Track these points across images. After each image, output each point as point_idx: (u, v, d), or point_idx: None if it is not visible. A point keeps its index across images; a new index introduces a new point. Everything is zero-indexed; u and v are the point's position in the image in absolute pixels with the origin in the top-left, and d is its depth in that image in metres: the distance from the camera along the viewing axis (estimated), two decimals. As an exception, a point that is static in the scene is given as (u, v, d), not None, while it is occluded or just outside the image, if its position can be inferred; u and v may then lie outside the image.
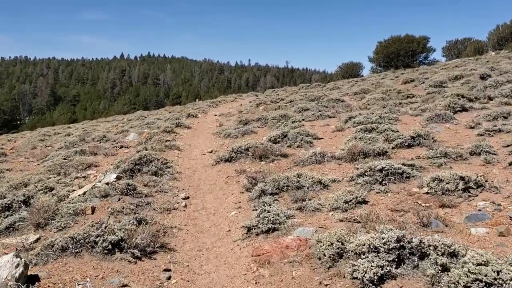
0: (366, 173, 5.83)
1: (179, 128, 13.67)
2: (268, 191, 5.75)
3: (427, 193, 5.11)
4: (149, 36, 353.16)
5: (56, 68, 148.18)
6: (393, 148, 7.83)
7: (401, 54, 42.68)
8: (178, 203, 5.89)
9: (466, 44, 55.65)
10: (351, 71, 45.03)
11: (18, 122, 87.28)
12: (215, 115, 18.56)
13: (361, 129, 9.45)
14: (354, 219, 4.41)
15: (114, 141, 12.37)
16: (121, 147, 10.43)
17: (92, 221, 4.92)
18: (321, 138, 9.64)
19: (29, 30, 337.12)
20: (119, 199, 5.75)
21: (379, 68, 44.76)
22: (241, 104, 24.88)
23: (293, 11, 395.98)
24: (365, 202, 4.98)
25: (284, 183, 5.84)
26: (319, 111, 14.82)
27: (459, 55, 52.09)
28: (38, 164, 9.84)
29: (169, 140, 10.20)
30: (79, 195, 5.73)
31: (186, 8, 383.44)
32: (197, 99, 41.80)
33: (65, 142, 12.50)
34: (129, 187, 5.93)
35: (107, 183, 6.15)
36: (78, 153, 9.98)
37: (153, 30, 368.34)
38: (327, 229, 4.31)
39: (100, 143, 12.43)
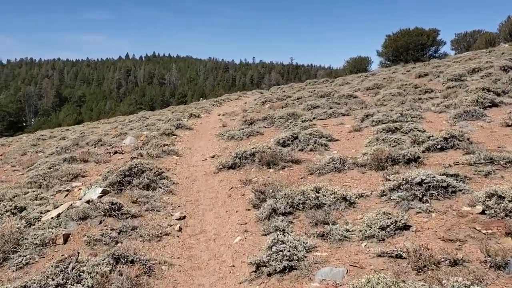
0: (401, 187, 4.75)
1: (180, 130, 12.65)
2: (280, 210, 4.70)
3: (483, 213, 4.03)
4: (154, 36, 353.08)
5: (61, 69, 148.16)
6: (423, 151, 6.73)
7: (411, 47, 41.41)
8: (171, 225, 4.86)
9: (475, 36, 54.14)
10: (359, 65, 43.75)
11: (24, 124, 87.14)
12: (219, 115, 17.54)
13: (383, 129, 8.34)
14: (398, 254, 3.34)
15: (110, 145, 11.40)
16: (115, 152, 9.44)
17: (62, 255, 3.92)
18: (337, 140, 8.55)
19: (34, 32, 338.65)
20: (100, 222, 4.73)
21: (388, 62, 43.46)
22: (245, 103, 23.82)
23: (297, 6, 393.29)
24: (406, 227, 3.90)
25: (300, 199, 4.78)
26: (331, 108, 13.72)
27: (469, 48, 50.58)
28: (23, 174, 8.89)
29: (167, 145, 9.18)
30: (52, 218, 4.73)
31: (191, 6, 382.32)
32: (201, 98, 40.85)
33: (57, 148, 11.55)
34: (113, 206, 4.91)
35: (88, 202, 5.14)
36: (67, 161, 9.00)
37: (158, 30, 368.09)
38: (362, 268, 3.25)
39: (94, 147, 11.47)
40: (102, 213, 4.87)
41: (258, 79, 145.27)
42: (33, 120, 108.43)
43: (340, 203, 4.70)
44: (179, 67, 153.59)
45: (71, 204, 4.96)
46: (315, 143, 7.99)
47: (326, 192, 4.86)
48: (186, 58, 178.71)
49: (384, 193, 4.90)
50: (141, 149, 9.23)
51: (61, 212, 4.83)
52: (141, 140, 10.91)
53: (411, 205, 4.48)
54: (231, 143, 9.92)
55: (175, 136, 11.31)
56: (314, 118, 11.82)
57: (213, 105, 22.39)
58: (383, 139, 7.67)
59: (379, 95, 14.80)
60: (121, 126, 17.27)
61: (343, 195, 4.74)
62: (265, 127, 11.51)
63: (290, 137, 8.48)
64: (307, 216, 4.57)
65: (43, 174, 7.56)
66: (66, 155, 9.78)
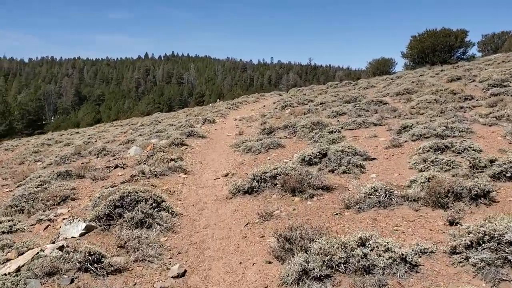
0: (482, 243, 3.40)
1: (192, 138, 11.47)
2: (314, 272, 3.41)
3: None
4: (173, 36, 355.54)
5: (81, 68, 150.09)
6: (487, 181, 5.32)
7: (438, 49, 39.40)
8: (165, 287, 3.63)
9: (504, 37, 51.73)
10: (382, 67, 41.98)
11: (44, 122, 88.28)
12: (235, 120, 16.32)
13: (429, 148, 6.93)
14: None
15: (114, 155, 10.32)
16: (116, 166, 8.32)
17: None
18: (374, 159, 7.18)
19: (56, 31, 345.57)
20: (71, 281, 3.55)
21: (413, 64, 41.55)
22: (264, 106, 22.55)
23: (315, 5, 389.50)
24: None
25: (341, 257, 3.48)
26: (359, 116, 12.33)
27: (497, 50, 48.24)
28: (11, 190, 7.84)
29: (174, 159, 7.98)
30: (9, 274, 3.58)
31: (210, 6, 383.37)
32: (218, 100, 39.79)
33: (57, 157, 10.55)
34: (91, 257, 3.72)
35: (62, 247, 3.96)
36: (61, 176, 7.92)
37: (177, 30, 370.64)
38: None
39: (97, 157, 10.42)
40: (77, 266, 3.69)
41: (276, 80, 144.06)
42: (52, 118, 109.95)
43: (397, 265, 3.37)
44: (197, 67, 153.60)
45: (37, 253, 3.79)
46: (348, 163, 6.65)
47: (377, 247, 3.54)
48: (204, 58, 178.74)
49: (457, 250, 3.55)
50: (145, 163, 8.07)
51: (23, 265, 3.66)
52: (147, 151, 9.78)
53: (500, 275, 3.14)
54: (248, 157, 8.66)
55: (186, 147, 10.12)
56: (341, 128, 10.47)
57: (229, 108, 21.19)
58: (432, 161, 6.28)
59: (413, 102, 13.30)
60: (131, 131, 16.26)
61: (402, 255, 3.41)
62: (286, 137, 10.21)
63: (318, 154, 7.16)
64: (351, 283, 3.27)
65: (28, 195, 6.46)
66: (63, 167, 8.72)
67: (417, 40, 41.34)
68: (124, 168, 8.21)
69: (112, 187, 6.89)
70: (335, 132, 9.45)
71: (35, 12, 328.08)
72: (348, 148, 7.28)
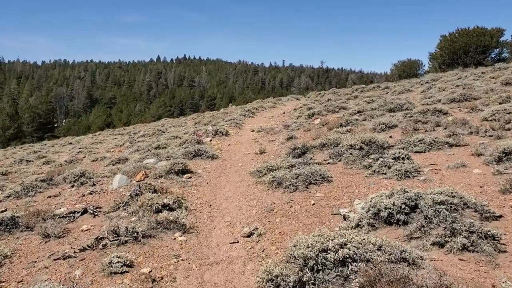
0: None
1: (199, 159, 8.71)
2: None
3: None
4: (185, 38, 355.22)
5: (93, 70, 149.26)
6: None
7: (471, 49, 36.11)
8: None
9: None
10: (409, 70, 38.77)
11: (55, 125, 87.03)
12: (252, 131, 13.53)
13: None
14: None
15: (93, 184, 7.63)
16: (84, 212, 5.57)
17: None
18: (499, 217, 4.27)
19: (69, 34, 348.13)
20: None
21: (444, 66, 38.26)
22: (283, 113, 19.72)
23: (327, 7, 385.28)
24: None
25: None
26: (416, 130, 9.45)
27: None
28: None
29: (169, 206, 5.19)
30: None
31: (223, 10, 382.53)
32: (230, 104, 37.10)
33: (22, 184, 7.89)
34: None
35: None
36: (2, 226, 5.22)
37: (189, 33, 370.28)
38: None
39: (72, 186, 7.72)
40: None
41: (287, 83, 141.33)
42: (64, 121, 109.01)
43: None
44: (209, 70, 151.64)
45: None
46: (468, 230, 3.76)
47: None
48: (216, 61, 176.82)
49: None
50: (125, 208, 5.31)
51: None
52: (137, 181, 7.04)
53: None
54: (279, 197, 5.84)
55: (189, 175, 7.34)
56: (403, 149, 7.57)
57: (244, 115, 18.41)
58: None
59: (483, 112, 10.30)
60: (129, 143, 13.59)
61: None
62: (329, 163, 7.36)
63: (403, 205, 4.29)
64: None
65: None
66: (23, 201, 6.03)
67: (447, 40, 38.14)
68: (95, 216, 5.45)
69: (64, 258, 4.18)
70: (403, 158, 6.54)
71: (48, 16, 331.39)
72: (451, 196, 4.39)
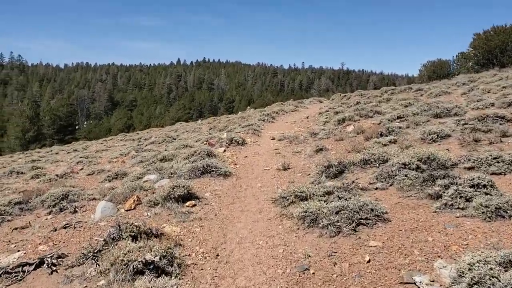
0: None
1: (207, 177, 7.05)
2: None
3: None
4: (205, 41, 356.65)
5: (114, 73, 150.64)
6: None
7: (508, 48, 33.45)
8: None
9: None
10: (439, 70, 36.20)
11: (76, 128, 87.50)
12: (273, 139, 11.79)
13: None
14: None
15: (74, 211, 6.07)
16: (40, 263, 3.97)
17: None
18: None
19: (92, 37, 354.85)
20: None
21: (477, 67, 35.61)
22: (307, 117, 17.86)
23: (346, 8, 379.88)
24: None
25: None
26: (477, 141, 7.56)
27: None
28: None
29: (153, 265, 3.52)
30: None
31: (242, 13, 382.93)
32: (248, 107, 35.48)
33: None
34: None
35: None
36: None
37: (209, 36, 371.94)
38: None
39: (49, 213, 6.19)
40: None
41: (307, 85, 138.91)
42: (85, 123, 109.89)
43: None
44: (227, 73, 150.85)
45: None
46: None
47: None
48: (235, 63, 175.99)
49: None
50: (95, 261, 3.68)
51: None
52: (126, 210, 5.44)
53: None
54: (314, 243, 4.09)
55: (193, 202, 5.67)
56: (473, 168, 5.71)
57: (263, 120, 16.66)
58: None
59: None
60: (134, 152, 12.09)
61: None
62: (376, 188, 5.56)
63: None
64: None
65: None
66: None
67: (481, 38, 35.47)
68: (52, 272, 3.84)
69: None
70: (485, 186, 4.68)
71: (72, 21, 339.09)
72: None
